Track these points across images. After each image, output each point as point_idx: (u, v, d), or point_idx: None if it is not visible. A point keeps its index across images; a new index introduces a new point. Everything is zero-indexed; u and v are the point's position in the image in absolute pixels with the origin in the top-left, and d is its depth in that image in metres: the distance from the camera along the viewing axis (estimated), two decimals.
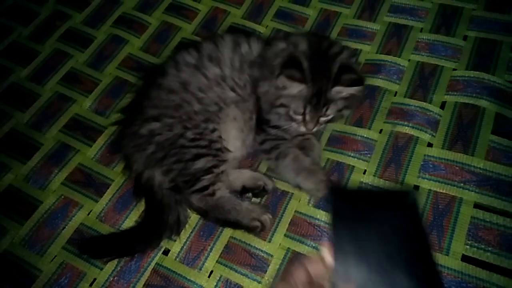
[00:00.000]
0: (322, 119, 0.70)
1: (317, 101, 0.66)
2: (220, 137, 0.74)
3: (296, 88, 0.66)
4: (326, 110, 0.68)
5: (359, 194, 0.60)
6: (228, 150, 0.75)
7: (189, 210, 0.75)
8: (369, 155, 0.75)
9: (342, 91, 0.67)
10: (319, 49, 0.70)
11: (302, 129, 0.71)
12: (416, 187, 0.71)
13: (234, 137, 0.76)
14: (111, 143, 0.84)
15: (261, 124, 0.75)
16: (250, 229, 0.70)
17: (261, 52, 0.76)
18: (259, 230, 0.70)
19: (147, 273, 0.70)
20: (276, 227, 0.71)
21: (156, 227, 0.71)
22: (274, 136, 0.74)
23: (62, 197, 0.79)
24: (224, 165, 0.73)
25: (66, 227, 0.75)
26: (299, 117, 0.69)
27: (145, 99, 0.76)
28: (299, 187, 0.73)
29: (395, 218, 0.54)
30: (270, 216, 0.70)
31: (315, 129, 0.70)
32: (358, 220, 0.54)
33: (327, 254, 0.48)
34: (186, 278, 0.68)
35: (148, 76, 0.81)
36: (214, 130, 0.74)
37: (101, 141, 0.84)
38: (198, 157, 0.71)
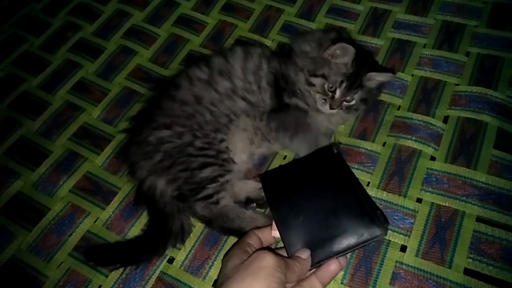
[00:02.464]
0: (346, 103, 0.76)
1: (354, 80, 0.74)
2: (227, 147, 0.76)
3: (343, 60, 0.74)
4: (355, 93, 0.76)
5: (284, 168, 0.71)
6: (234, 162, 0.77)
7: (192, 219, 0.75)
8: (372, 168, 0.76)
9: (375, 77, 0.76)
10: (355, 42, 0.81)
11: (325, 108, 0.76)
12: (419, 200, 0.72)
13: (241, 149, 0.78)
14: (119, 151, 0.85)
15: (279, 110, 0.78)
16: None
17: (283, 47, 0.87)
18: None
19: (151, 281, 0.70)
20: None
21: (160, 236, 0.72)
22: (296, 117, 0.78)
23: (70, 204, 0.80)
24: (229, 175, 0.75)
25: (73, 234, 0.76)
26: (330, 93, 0.75)
27: (157, 109, 0.78)
28: None
29: (320, 173, 0.64)
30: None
31: (335, 111, 0.76)
32: (288, 190, 0.63)
33: (274, 230, 0.59)
34: (190, 287, 0.69)
35: (160, 88, 0.83)
36: (222, 141, 0.76)
37: (109, 149, 0.86)
38: (205, 166, 0.73)
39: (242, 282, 0.48)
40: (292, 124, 0.76)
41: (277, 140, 0.79)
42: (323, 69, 0.75)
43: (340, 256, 0.56)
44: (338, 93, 0.75)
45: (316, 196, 0.61)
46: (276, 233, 0.60)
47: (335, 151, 0.66)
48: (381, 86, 0.82)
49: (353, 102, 0.77)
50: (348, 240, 0.56)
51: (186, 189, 0.73)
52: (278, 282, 0.48)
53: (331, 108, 0.75)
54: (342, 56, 0.74)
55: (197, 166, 0.73)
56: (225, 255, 0.59)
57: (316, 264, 0.56)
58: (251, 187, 0.76)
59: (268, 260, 0.50)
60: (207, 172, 0.73)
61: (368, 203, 0.59)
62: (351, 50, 0.72)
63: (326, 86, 0.75)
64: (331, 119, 0.80)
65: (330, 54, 0.75)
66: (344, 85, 0.74)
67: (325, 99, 0.76)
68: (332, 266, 0.55)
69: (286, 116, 0.77)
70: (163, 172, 0.74)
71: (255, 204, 0.75)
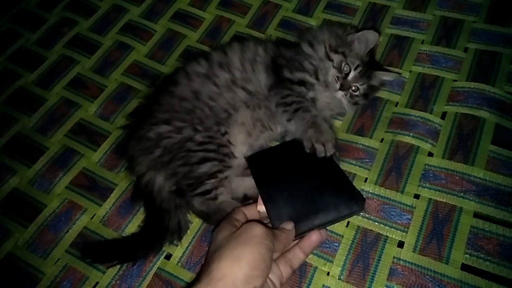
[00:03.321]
0: (353, 89, 0.78)
1: (367, 69, 0.78)
2: (229, 141, 0.76)
3: (362, 47, 0.78)
4: (364, 83, 0.78)
5: (270, 150, 0.76)
6: (234, 156, 0.76)
7: (189, 216, 0.75)
8: (370, 164, 0.76)
9: (382, 76, 0.81)
10: None
11: (335, 87, 0.78)
12: (417, 196, 0.72)
13: (241, 142, 0.78)
14: (116, 147, 0.85)
15: (281, 83, 0.78)
16: None
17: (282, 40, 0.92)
18: None
19: (149, 278, 0.70)
20: None
21: (157, 233, 0.72)
22: (298, 93, 0.77)
23: (66, 200, 0.79)
24: (229, 171, 0.74)
25: (70, 230, 0.76)
26: (343, 74, 0.78)
27: (156, 105, 0.77)
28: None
29: (304, 155, 0.69)
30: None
31: (342, 94, 0.78)
32: (274, 169, 0.68)
33: (260, 205, 0.64)
34: (188, 283, 0.69)
35: (158, 85, 0.83)
36: (225, 133, 0.75)
37: (105, 146, 0.85)
38: (204, 161, 0.72)
39: (234, 249, 0.52)
40: (294, 100, 0.76)
41: (277, 116, 0.77)
42: (344, 48, 0.78)
43: (321, 228, 0.62)
44: (351, 75, 0.78)
45: (300, 175, 0.66)
46: (261, 208, 0.64)
47: None
48: (382, 84, 0.83)
49: (357, 93, 0.79)
50: (329, 214, 0.62)
51: (184, 184, 0.73)
52: (268, 250, 0.52)
53: (340, 89, 0.77)
54: (362, 43, 0.78)
55: (197, 161, 0.72)
56: (213, 230, 0.62)
57: (299, 235, 0.61)
58: (249, 185, 0.76)
59: (257, 230, 0.54)
60: (206, 167, 0.72)
61: (347, 183, 0.65)
62: (375, 37, 0.77)
63: (343, 64, 0.77)
64: (332, 103, 0.80)
65: (354, 39, 0.78)
66: (359, 69, 0.77)
67: (338, 77, 0.78)
68: (313, 237, 0.61)
69: (289, 92, 0.77)
70: (162, 167, 0.74)
71: (252, 201, 0.75)
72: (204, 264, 0.57)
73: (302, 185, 0.65)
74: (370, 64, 0.80)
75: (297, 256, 0.60)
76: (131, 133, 0.79)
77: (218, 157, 0.73)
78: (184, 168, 0.73)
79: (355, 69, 0.78)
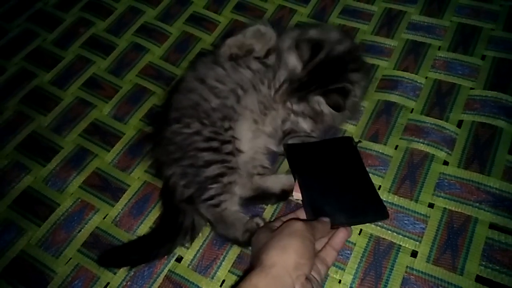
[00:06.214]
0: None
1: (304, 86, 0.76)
2: (233, 137, 0.76)
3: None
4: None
5: (308, 145, 0.77)
6: (240, 151, 0.76)
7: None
8: (384, 171, 0.75)
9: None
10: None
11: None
12: (431, 205, 0.71)
13: (248, 130, 0.77)
14: (129, 148, 0.85)
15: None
16: (244, 244, 0.71)
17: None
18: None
19: (159, 280, 0.70)
20: None
21: (170, 230, 0.72)
22: None
23: (79, 200, 0.80)
24: (233, 175, 0.73)
25: (82, 230, 0.77)
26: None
27: (169, 107, 0.78)
28: None
29: (340, 157, 0.74)
30: (260, 222, 0.70)
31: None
32: (312, 163, 0.73)
33: (296, 192, 0.70)
34: (198, 286, 0.69)
35: (170, 90, 0.85)
36: (228, 129, 0.75)
37: (119, 146, 0.86)
38: (209, 164, 0.72)
39: (280, 241, 0.56)
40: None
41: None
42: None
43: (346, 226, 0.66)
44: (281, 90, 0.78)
45: (335, 173, 0.71)
46: (297, 195, 0.69)
47: (354, 143, 0.75)
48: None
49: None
50: (357, 216, 0.67)
51: (193, 190, 0.72)
52: (310, 241, 0.57)
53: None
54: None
55: (202, 163, 0.72)
56: (253, 236, 0.65)
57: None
58: (285, 181, 0.75)
59: (298, 225, 0.58)
60: (210, 171, 0.72)
61: (376, 192, 0.70)
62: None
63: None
64: None
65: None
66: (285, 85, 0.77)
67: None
68: (341, 233, 0.64)
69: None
70: (174, 163, 0.74)
71: (294, 197, 0.73)
72: (252, 258, 0.61)
73: (336, 183, 0.70)
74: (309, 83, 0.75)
75: (329, 253, 0.63)
76: (154, 140, 0.79)
77: (221, 158, 0.73)
78: (192, 170, 0.73)
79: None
